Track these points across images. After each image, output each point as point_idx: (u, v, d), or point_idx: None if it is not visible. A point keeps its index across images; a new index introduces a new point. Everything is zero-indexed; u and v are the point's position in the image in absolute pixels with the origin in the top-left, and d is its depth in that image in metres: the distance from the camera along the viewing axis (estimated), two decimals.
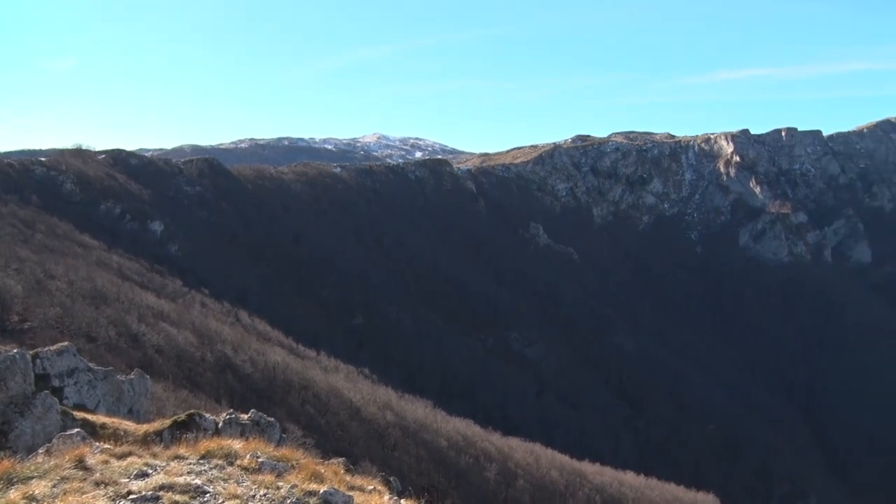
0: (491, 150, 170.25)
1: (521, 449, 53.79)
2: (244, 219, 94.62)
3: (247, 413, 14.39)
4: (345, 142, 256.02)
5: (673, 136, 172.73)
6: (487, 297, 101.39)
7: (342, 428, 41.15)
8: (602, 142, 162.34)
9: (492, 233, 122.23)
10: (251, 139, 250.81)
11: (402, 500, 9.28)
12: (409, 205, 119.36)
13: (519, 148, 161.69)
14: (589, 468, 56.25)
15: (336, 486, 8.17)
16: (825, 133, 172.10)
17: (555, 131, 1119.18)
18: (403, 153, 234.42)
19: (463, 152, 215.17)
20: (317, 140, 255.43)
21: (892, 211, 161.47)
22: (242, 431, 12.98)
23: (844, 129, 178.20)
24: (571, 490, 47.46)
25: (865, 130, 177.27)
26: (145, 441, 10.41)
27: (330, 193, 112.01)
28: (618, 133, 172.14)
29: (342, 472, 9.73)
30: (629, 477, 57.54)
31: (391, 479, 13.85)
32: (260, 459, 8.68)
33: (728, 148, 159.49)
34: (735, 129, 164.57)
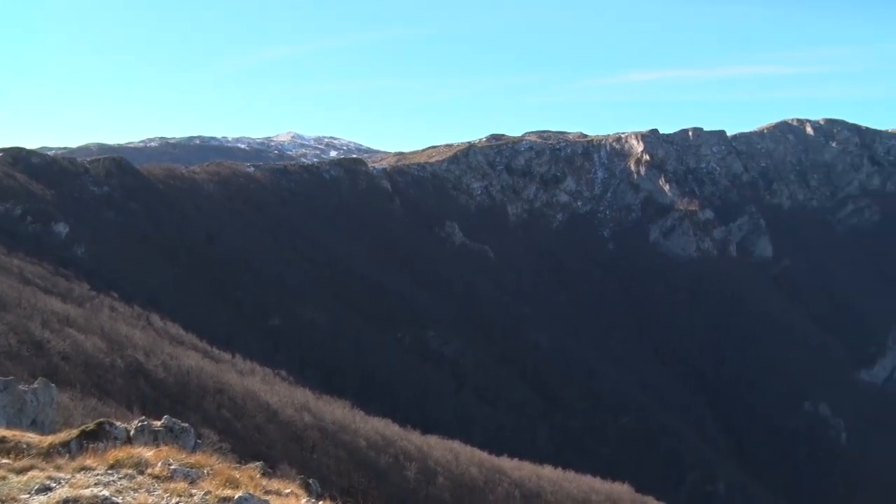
0: (406, 150, 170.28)
1: (440, 447, 53.93)
2: (155, 219, 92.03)
3: (160, 419, 13.96)
4: (258, 141, 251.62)
5: (585, 136, 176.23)
6: (404, 296, 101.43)
7: (259, 431, 40.47)
8: (516, 141, 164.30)
9: (408, 232, 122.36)
10: (161, 138, 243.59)
11: (321, 503, 9.20)
12: (324, 204, 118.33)
13: (434, 147, 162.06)
14: (508, 463, 56.85)
15: (251, 491, 8.02)
16: (729, 133, 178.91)
17: (470, 130, 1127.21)
18: (318, 152, 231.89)
19: (378, 151, 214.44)
20: (229, 139, 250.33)
21: (790, 208, 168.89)
22: (155, 439, 12.57)
23: (746, 130, 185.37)
24: (491, 486, 47.91)
25: (766, 131, 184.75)
26: (49, 454, 9.95)
27: (244, 193, 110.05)
28: (532, 132, 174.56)
29: (258, 476, 9.57)
30: (547, 471, 58.37)
31: (310, 481, 13.69)
32: (172, 467, 8.46)
33: (638, 147, 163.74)
34: (645, 128, 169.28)
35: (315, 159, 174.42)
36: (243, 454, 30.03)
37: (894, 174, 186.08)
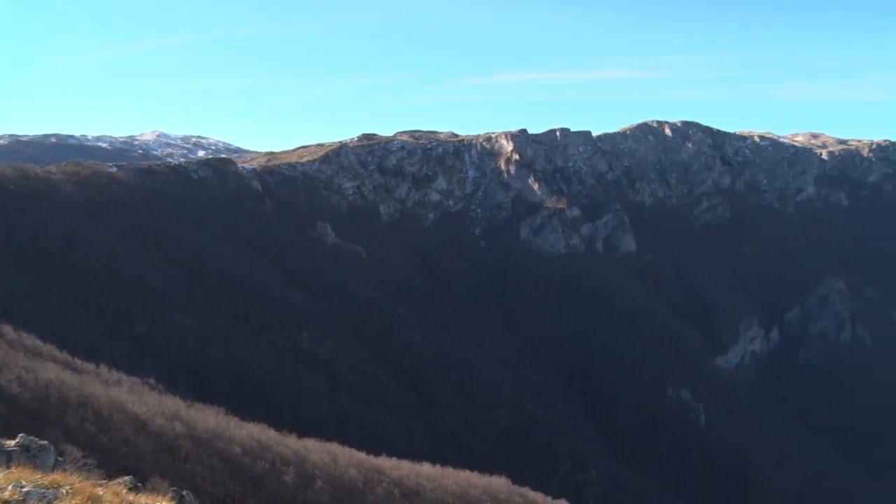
0: (277, 149, 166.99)
1: (317, 449, 53.34)
2: (6, 223, 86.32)
3: (14, 438, 13.22)
4: (121, 140, 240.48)
5: (456, 136, 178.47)
6: (276, 298, 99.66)
7: (127, 444, 38.76)
8: (388, 140, 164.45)
9: (279, 232, 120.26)
10: (11, 136, 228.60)
11: None
12: (192, 205, 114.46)
13: (305, 146, 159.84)
14: (386, 463, 56.86)
15: None
16: (594, 134, 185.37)
17: (341, 130, 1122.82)
18: (185, 152, 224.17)
19: (248, 151, 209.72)
20: (89, 138, 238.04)
21: (652, 205, 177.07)
22: (9, 459, 11.93)
23: (610, 130, 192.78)
24: (370, 486, 47.82)
25: (628, 132, 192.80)
26: None
27: (105, 194, 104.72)
28: (403, 132, 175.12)
29: (125, 491, 9.27)
30: (426, 468, 58.76)
31: (184, 492, 13.33)
32: (25, 489, 8.09)
33: (508, 147, 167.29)
34: (514, 128, 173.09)
35: (182, 159, 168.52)
36: (111, 469, 28.74)
37: (743, 173, 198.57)
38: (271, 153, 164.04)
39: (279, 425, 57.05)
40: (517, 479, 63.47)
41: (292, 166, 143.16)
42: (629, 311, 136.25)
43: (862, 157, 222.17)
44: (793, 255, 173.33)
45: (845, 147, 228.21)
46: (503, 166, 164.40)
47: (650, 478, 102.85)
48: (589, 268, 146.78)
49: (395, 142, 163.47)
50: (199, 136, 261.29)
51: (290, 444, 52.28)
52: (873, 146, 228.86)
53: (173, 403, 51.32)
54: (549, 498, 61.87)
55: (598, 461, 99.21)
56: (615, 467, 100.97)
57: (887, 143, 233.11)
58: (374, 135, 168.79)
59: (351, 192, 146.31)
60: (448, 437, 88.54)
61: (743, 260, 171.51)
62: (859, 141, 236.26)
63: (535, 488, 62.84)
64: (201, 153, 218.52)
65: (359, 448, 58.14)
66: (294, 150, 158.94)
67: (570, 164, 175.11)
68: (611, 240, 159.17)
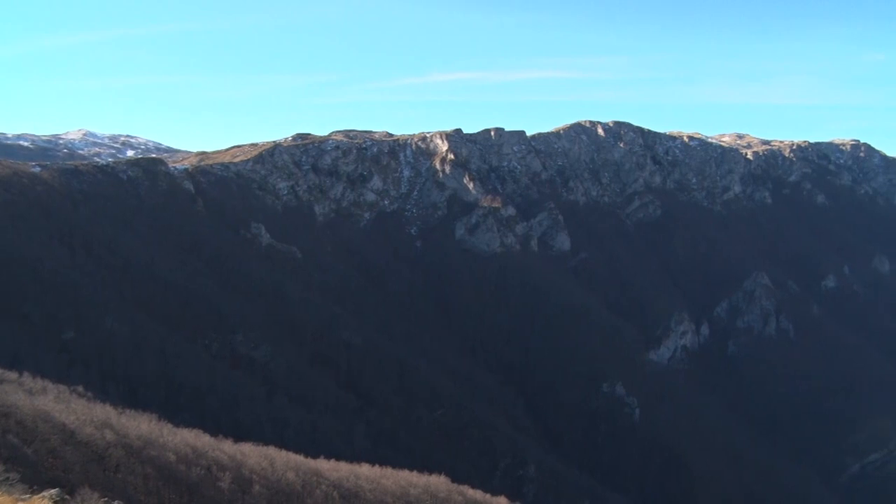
0: (209, 149, 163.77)
1: (254, 454, 52.61)
2: None
3: None
4: (44, 138, 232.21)
5: (391, 135, 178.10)
6: (210, 301, 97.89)
7: (54, 455, 37.55)
8: (322, 140, 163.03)
9: (212, 234, 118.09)
10: None
11: None
12: (121, 207, 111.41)
13: (239, 146, 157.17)
14: (325, 465, 56.45)
15: None
16: (528, 133, 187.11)
17: (275, 129, 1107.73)
18: (114, 151, 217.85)
19: (179, 151, 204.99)
20: (9, 136, 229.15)
21: (585, 204, 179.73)
22: None
23: (544, 130, 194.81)
24: (309, 489, 47.39)
25: (562, 132, 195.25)
26: None
27: (28, 195, 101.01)
28: (338, 131, 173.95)
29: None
30: (365, 469, 58.54)
31: (115, 503, 13.02)
32: None
33: (443, 146, 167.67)
34: (449, 128, 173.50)
35: (110, 159, 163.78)
36: (36, 482, 27.86)
37: (672, 172, 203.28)
38: (203, 153, 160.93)
39: (215, 431, 56.17)
40: (457, 477, 63.79)
41: (225, 166, 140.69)
42: (564, 308, 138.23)
43: (784, 157, 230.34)
44: (721, 252, 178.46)
45: (769, 147, 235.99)
46: (438, 166, 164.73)
47: (588, 471, 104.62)
48: (524, 266, 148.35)
49: (330, 141, 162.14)
50: (127, 136, 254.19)
51: (227, 449, 51.44)
52: (794, 147, 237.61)
53: (103, 411, 49.95)
54: (488, 495, 62.26)
55: (536, 456, 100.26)
56: (553, 462, 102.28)
57: (806, 143, 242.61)
58: (309, 134, 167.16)
59: (285, 192, 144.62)
60: (388, 437, 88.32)
61: (674, 256, 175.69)
62: (781, 142, 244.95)
63: (474, 486, 63.23)
64: (130, 153, 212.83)
65: (297, 451, 57.61)
66: (227, 150, 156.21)
67: (505, 164, 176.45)
68: (545, 238, 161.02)
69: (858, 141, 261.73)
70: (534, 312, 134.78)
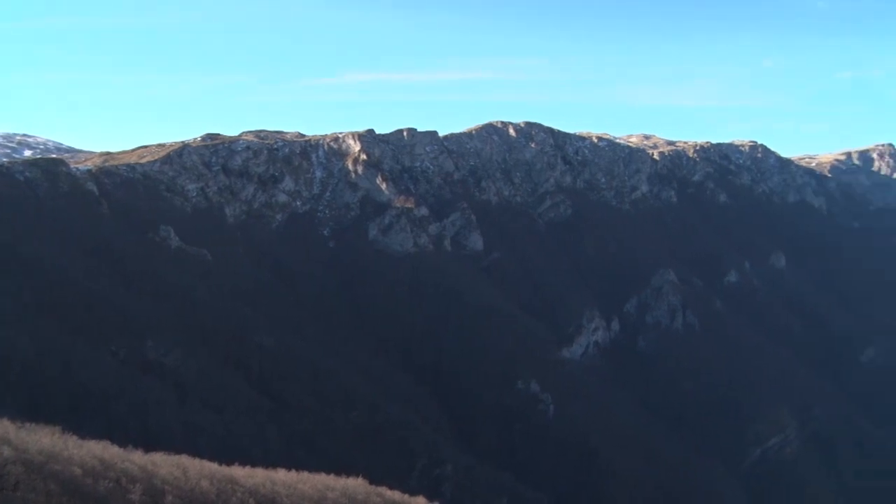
0: (114, 149, 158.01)
1: (166, 463, 51.14)
2: None
3: None
4: None
5: (303, 136, 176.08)
6: (117, 306, 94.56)
7: None
8: (233, 140, 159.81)
9: (118, 237, 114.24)
10: None
11: None
12: (19, 210, 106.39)
13: (145, 146, 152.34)
14: (240, 472, 55.31)
15: None
16: (441, 134, 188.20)
17: (183, 129, 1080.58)
18: (9, 151, 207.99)
19: (81, 151, 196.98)
20: None
21: (497, 204, 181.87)
22: None
23: (456, 131, 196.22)
24: (224, 497, 46.33)
25: (474, 132, 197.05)
26: None
27: None
28: (249, 132, 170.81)
29: None
30: (281, 474, 57.67)
31: None
32: None
33: (356, 147, 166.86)
34: (361, 128, 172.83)
35: (5, 159, 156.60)
36: None
37: (583, 172, 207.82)
38: (108, 153, 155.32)
39: (124, 441, 54.36)
40: (374, 479, 63.44)
41: (131, 167, 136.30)
42: (478, 308, 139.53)
43: (688, 158, 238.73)
44: (629, 249, 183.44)
45: (674, 148, 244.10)
46: (351, 166, 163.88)
47: (504, 468, 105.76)
48: (437, 266, 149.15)
49: (240, 142, 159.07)
50: (24, 135, 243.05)
51: (137, 459, 49.86)
52: (697, 147, 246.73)
53: (0, 426, 47.72)
54: (406, 495, 62.23)
55: (452, 455, 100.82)
56: (470, 460, 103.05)
57: (709, 144, 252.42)
58: (219, 135, 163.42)
59: (195, 193, 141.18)
60: (303, 440, 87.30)
61: (584, 255, 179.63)
62: (685, 142, 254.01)
63: (392, 486, 63.05)
64: (28, 153, 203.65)
65: (211, 458, 56.33)
66: (133, 151, 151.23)
67: (418, 164, 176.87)
68: (458, 238, 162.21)
69: (756, 142, 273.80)
70: (448, 312, 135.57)
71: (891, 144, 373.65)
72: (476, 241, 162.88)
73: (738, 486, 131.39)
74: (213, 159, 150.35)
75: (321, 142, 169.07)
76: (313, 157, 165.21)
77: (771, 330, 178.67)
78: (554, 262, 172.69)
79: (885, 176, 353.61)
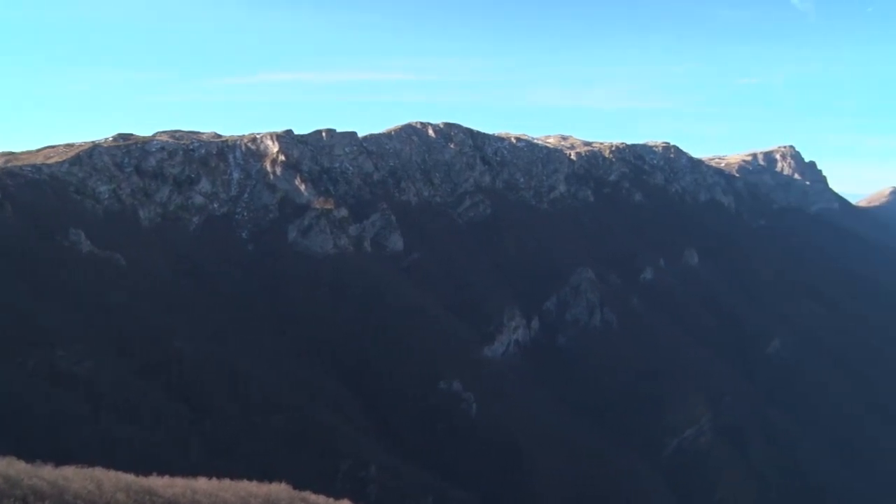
0: (17, 149, 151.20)
1: (78, 477, 49.16)
2: None
3: None
4: None
5: (220, 136, 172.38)
6: (24, 314, 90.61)
7: None
8: (146, 140, 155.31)
9: (24, 242, 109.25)
10: None
11: None
12: None
13: (52, 147, 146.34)
14: (158, 482, 53.71)
15: None
16: (360, 134, 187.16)
17: (93, 129, 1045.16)
18: None
19: None
20: None
21: (417, 204, 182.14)
22: None
23: (376, 131, 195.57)
24: None
25: (393, 133, 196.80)
26: None
27: None
28: (163, 132, 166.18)
29: None
30: (202, 483, 56.28)
31: None
32: None
33: (274, 147, 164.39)
34: (280, 129, 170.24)
35: None
36: None
37: (501, 173, 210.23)
38: (11, 154, 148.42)
39: (33, 456, 52.12)
40: (298, 484, 62.62)
41: (37, 168, 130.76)
42: (399, 308, 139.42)
43: (604, 158, 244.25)
44: (548, 248, 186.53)
45: (590, 148, 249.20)
46: (269, 167, 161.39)
47: (428, 468, 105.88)
48: (358, 267, 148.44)
49: (155, 142, 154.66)
50: None
51: (46, 475, 47.77)
52: (613, 148, 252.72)
53: None
54: (331, 499, 61.65)
55: (377, 457, 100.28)
56: (394, 461, 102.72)
57: (624, 145, 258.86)
58: (131, 135, 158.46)
59: (106, 196, 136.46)
60: (225, 447, 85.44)
61: (504, 254, 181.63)
62: (602, 143, 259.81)
63: (316, 491, 62.38)
64: None
65: (128, 470, 54.57)
66: (39, 151, 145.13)
67: (337, 165, 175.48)
68: (378, 239, 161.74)
69: (669, 143, 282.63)
70: (369, 313, 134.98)
71: (792, 146, 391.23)
72: (396, 242, 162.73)
73: (657, 477, 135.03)
74: (126, 160, 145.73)
75: (238, 142, 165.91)
76: (230, 157, 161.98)
77: (685, 325, 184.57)
78: (474, 261, 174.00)
79: (787, 176, 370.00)
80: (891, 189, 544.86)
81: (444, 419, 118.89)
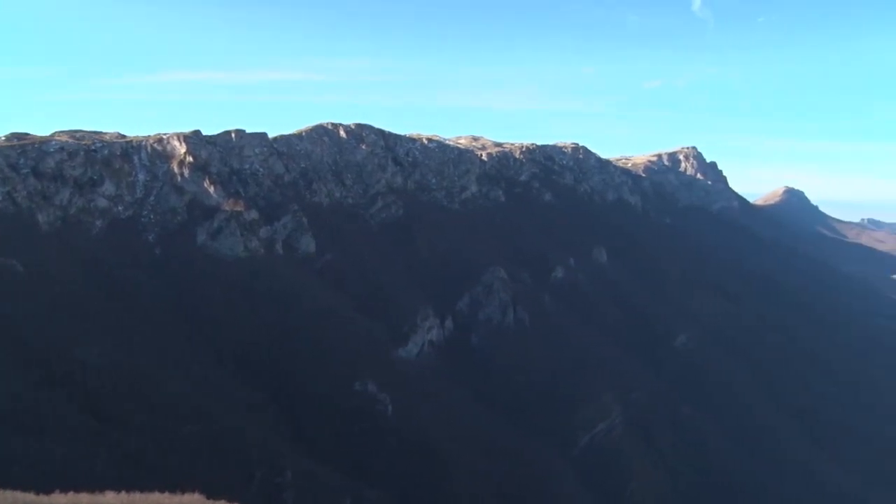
0: None
1: None
2: None
3: None
4: None
5: (124, 136, 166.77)
6: None
7: None
8: (44, 140, 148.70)
9: None
10: None
11: None
12: None
13: None
14: (61, 499, 51.87)
15: None
16: (270, 135, 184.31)
17: None
18: None
19: None
20: None
21: (329, 206, 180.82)
22: None
23: (286, 132, 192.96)
24: None
25: (304, 134, 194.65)
26: None
27: None
28: (62, 132, 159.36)
29: None
30: (109, 497, 54.64)
31: None
32: None
33: (181, 148, 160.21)
34: (187, 129, 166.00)
35: None
36: None
37: (413, 173, 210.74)
38: None
39: None
40: (212, 493, 61.37)
41: None
42: (313, 310, 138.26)
43: (515, 159, 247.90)
44: (461, 248, 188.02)
45: (501, 149, 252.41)
46: (177, 169, 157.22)
47: (346, 471, 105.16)
48: (270, 270, 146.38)
49: (53, 142, 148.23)
50: None
51: None
52: (523, 149, 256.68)
53: None
54: None
55: (293, 462, 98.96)
56: (311, 465, 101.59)
57: (534, 146, 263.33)
58: (27, 134, 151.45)
59: (0, 198, 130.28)
60: (135, 459, 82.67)
61: (417, 255, 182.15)
62: (512, 144, 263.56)
63: (231, 499, 61.25)
64: None
65: (27, 488, 52.36)
66: None
67: (247, 166, 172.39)
68: (290, 241, 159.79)
69: (578, 144, 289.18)
70: (283, 316, 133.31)
71: (694, 147, 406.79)
72: (308, 244, 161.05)
73: (570, 471, 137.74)
74: (22, 161, 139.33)
75: (144, 143, 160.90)
76: (135, 159, 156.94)
77: (596, 321, 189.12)
78: (387, 262, 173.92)
79: (689, 176, 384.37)
80: (784, 189, 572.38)
81: (360, 421, 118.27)
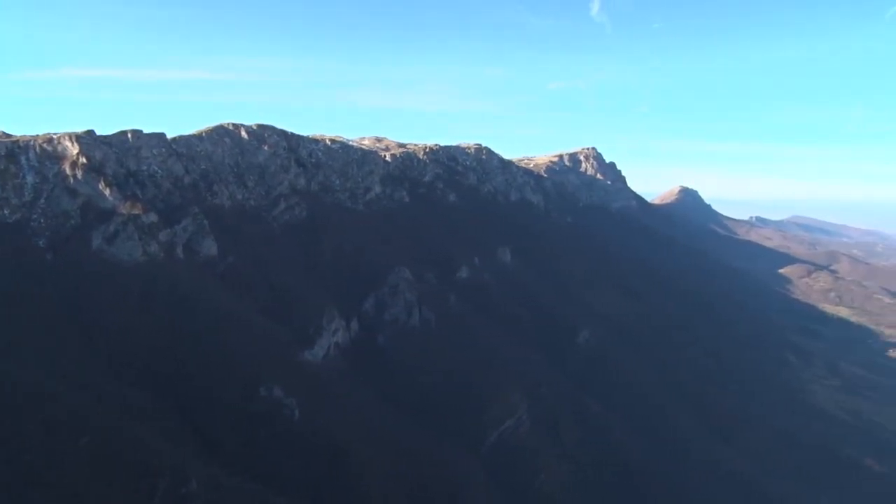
0: None
1: None
2: None
3: None
4: None
5: (9, 136, 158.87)
6: None
7: None
8: None
9: None
10: None
11: None
12: None
13: None
14: None
15: None
16: (169, 136, 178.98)
17: None
18: None
19: None
20: None
21: (231, 207, 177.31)
22: None
23: (186, 132, 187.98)
24: None
25: (204, 134, 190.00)
26: None
27: None
28: None
29: None
30: None
31: None
32: None
33: (74, 149, 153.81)
34: (81, 129, 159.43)
35: None
36: None
37: (317, 175, 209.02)
38: None
39: None
40: None
41: None
42: (216, 315, 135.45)
43: (418, 160, 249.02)
44: (365, 249, 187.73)
45: (405, 150, 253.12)
46: (69, 170, 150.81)
47: (253, 478, 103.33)
48: (171, 274, 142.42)
49: None
50: None
51: None
52: (427, 150, 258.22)
53: None
54: None
55: (197, 471, 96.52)
56: (216, 473, 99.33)
57: (438, 147, 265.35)
58: None
59: None
60: (27, 477, 79.10)
61: (321, 256, 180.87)
62: (416, 145, 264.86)
63: None
64: None
65: None
66: None
67: (145, 168, 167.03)
68: (191, 244, 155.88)
69: (481, 145, 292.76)
70: (184, 321, 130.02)
71: (594, 148, 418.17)
72: (210, 247, 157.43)
73: (479, 468, 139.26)
74: None
75: (32, 143, 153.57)
76: (23, 159, 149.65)
77: (501, 319, 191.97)
78: (291, 264, 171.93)
79: (590, 176, 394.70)
80: (679, 188, 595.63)
81: (266, 426, 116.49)
